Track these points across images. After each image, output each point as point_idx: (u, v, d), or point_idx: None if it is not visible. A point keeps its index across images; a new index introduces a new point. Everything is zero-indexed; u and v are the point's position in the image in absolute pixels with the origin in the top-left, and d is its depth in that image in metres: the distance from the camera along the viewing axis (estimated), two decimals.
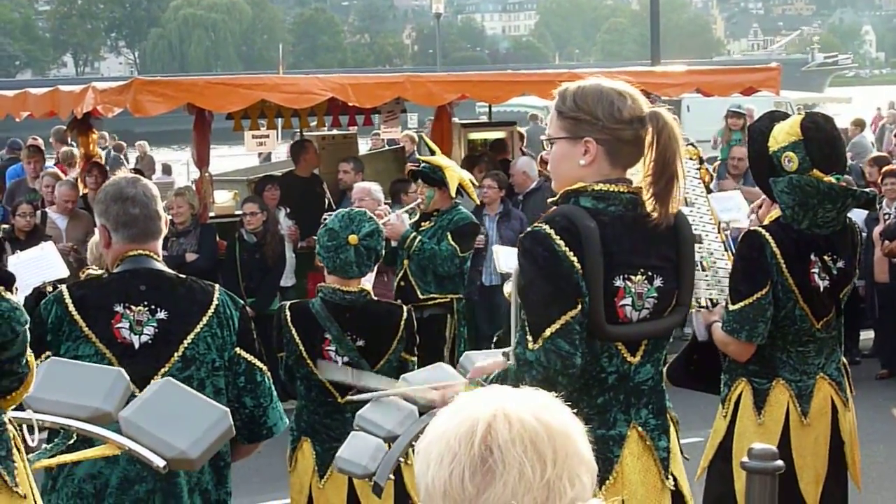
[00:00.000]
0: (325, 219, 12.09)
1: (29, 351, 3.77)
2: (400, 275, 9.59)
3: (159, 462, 3.98)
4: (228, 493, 4.71)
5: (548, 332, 3.85)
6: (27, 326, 3.70)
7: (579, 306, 3.87)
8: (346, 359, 6.17)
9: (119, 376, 4.16)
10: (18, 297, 3.71)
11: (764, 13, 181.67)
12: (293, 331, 6.23)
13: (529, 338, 3.89)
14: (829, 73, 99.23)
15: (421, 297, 9.37)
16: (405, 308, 6.49)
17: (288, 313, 6.29)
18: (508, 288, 4.42)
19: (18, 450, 3.81)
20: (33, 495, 3.84)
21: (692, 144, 6.36)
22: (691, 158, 5.83)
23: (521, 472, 2.00)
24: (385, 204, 10.96)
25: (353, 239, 6.23)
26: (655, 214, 3.96)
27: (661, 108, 4.04)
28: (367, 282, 7.73)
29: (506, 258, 6.45)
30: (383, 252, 6.57)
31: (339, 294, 6.26)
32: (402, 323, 6.34)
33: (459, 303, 9.65)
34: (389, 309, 6.45)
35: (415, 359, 6.33)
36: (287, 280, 12.80)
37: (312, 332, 6.21)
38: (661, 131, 3.95)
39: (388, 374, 6.07)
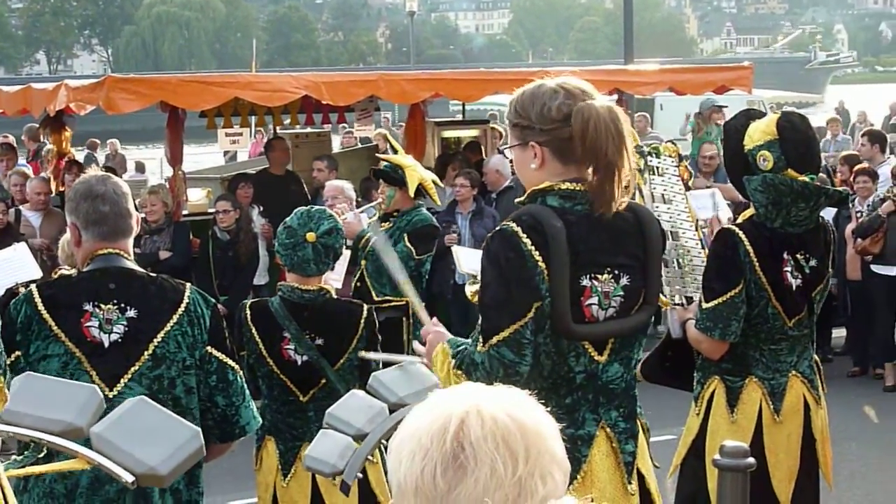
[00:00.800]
0: None
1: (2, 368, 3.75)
2: (357, 275, 9.49)
3: (128, 477, 3.98)
4: (200, 493, 4.69)
5: (495, 339, 3.89)
6: None
7: (531, 313, 3.88)
8: (305, 357, 6.16)
9: (93, 393, 4.15)
10: None
11: (737, 12, 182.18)
12: (252, 329, 6.23)
13: (480, 339, 3.93)
14: (831, 72, 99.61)
15: (376, 298, 9.25)
16: (365, 307, 6.46)
17: (248, 312, 6.30)
18: (471, 289, 4.43)
19: None
20: (5, 499, 3.82)
21: (671, 142, 6.36)
22: (670, 156, 5.84)
23: (492, 468, 2.00)
24: (357, 202, 10.90)
25: (310, 236, 6.23)
26: (597, 210, 3.95)
27: (594, 102, 3.98)
28: (337, 280, 7.71)
29: (466, 259, 6.46)
30: (343, 250, 6.55)
31: (297, 293, 6.25)
32: (362, 321, 6.31)
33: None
34: (349, 307, 6.43)
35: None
36: (260, 278, 12.77)
37: (272, 331, 6.21)
38: (587, 123, 3.91)
39: (349, 374, 6.08)
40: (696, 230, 5.92)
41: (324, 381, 6.19)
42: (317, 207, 6.54)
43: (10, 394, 3.85)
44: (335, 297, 6.44)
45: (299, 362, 6.18)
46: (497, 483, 2.01)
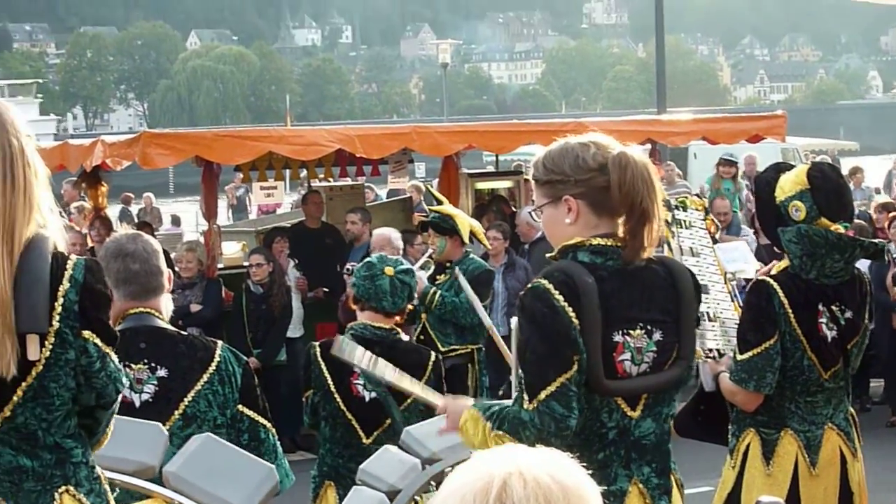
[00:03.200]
0: (349, 268, 12.05)
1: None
2: (418, 329, 9.57)
3: None
4: None
5: (543, 394, 3.87)
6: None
7: (575, 366, 3.88)
8: (373, 394, 6.18)
9: (159, 430, 4.17)
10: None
11: (770, 59, 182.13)
12: (322, 365, 6.27)
13: (526, 397, 3.91)
14: None
15: (442, 349, 9.34)
16: (433, 353, 6.52)
17: (318, 349, 6.35)
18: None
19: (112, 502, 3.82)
20: None
21: (697, 195, 6.34)
22: (697, 209, 5.83)
23: None
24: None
25: (388, 270, 6.34)
26: (626, 255, 3.96)
27: (629, 149, 4.02)
28: None
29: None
30: (416, 295, 6.64)
31: (369, 329, 6.30)
32: (431, 365, 6.37)
33: (480, 352, 9.64)
34: (418, 349, 6.55)
35: None
36: (295, 331, 12.79)
37: (341, 367, 6.21)
38: (625, 170, 3.94)
39: (414, 416, 6.09)
40: (726, 283, 5.90)
41: (388, 422, 6.20)
42: (391, 257, 6.69)
43: None
44: (405, 338, 6.51)
45: (367, 399, 6.22)
46: None
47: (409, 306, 6.70)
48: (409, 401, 6.23)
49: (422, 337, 9.55)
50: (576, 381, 3.89)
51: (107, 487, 3.79)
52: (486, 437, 4.01)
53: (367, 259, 6.53)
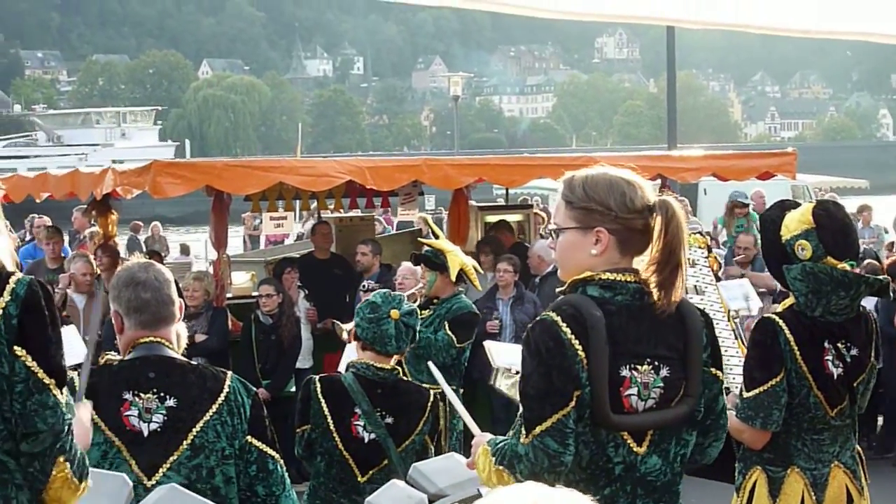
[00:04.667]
0: (364, 286, 11.99)
1: (68, 460, 3.76)
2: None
3: None
4: None
5: (538, 429, 3.88)
6: (58, 426, 3.70)
7: (573, 402, 3.89)
8: (372, 436, 6.18)
9: (122, 482, 4.16)
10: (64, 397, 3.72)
11: (781, 97, 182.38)
12: (322, 402, 6.24)
13: (523, 431, 3.93)
14: None
15: None
16: (432, 392, 6.51)
17: (318, 385, 6.31)
18: (505, 382, 4.43)
19: None
20: None
21: (700, 233, 6.37)
22: (700, 247, 5.86)
23: None
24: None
25: (395, 314, 6.31)
26: (660, 303, 3.97)
27: (669, 197, 4.05)
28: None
29: (499, 353, 6.51)
30: (418, 335, 6.63)
31: (372, 369, 6.29)
32: (429, 405, 6.37)
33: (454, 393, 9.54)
34: (419, 390, 6.51)
35: (433, 446, 6.33)
36: (304, 362, 12.80)
37: (342, 406, 6.22)
38: (671, 220, 3.96)
39: (411, 456, 6.09)
40: (729, 320, 5.92)
41: (384, 462, 6.20)
42: (396, 293, 6.64)
43: None
44: (406, 378, 6.50)
45: (366, 440, 6.21)
46: None
47: None
48: (406, 443, 6.24)
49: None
50: (574, 418, 3.90)
51: None
52: (490, 471, 4.03)
53: (372, 300, 6.45)
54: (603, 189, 4.02)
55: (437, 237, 9.74)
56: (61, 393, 3.69)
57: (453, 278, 9.23)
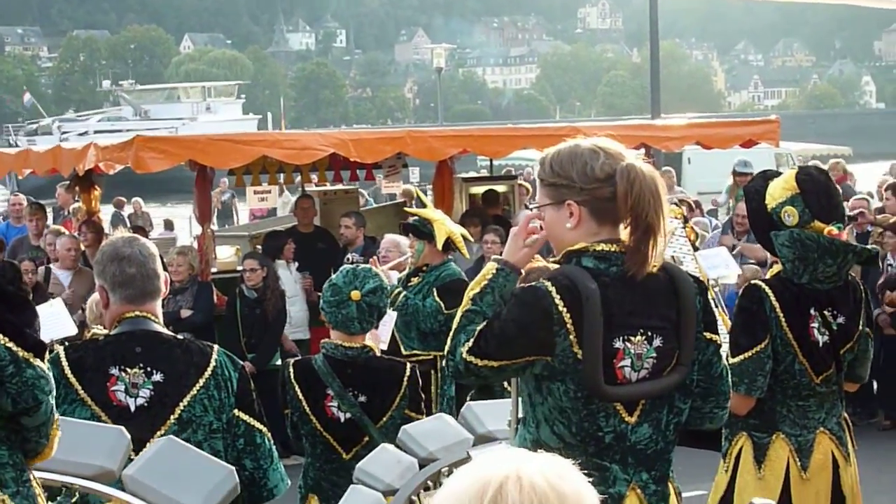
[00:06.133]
0: (349, 258, 11.98)
1: (53, 419, 3.78)
2: None
3: None
4: None
5: (482, 362, 3.96)
6: (51, 396, 3.71)
7: (522, 361, 3.96)
8: (348, 415, 6.17)
9: (120, 434, 4.16)
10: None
11: (764, 65, 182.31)
12: (296, 387, 6.25)
13: (474, 348, 3.96)
14: None
15: (404, 352, 9.26)
16: (408, 365, 6.48)
17: (291, 370, 6.31)
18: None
19: None
20: None
21: (676, 204, 6.37)
22: (676, 217, 5.86)
23: None
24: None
25: (355, 295, 6.26)
26: (632, 268, 3.97)
27: (636, 161, 4.03)
28: (384, 343, 7.75)
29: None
30: (387, 310, 6.58)
31: (341, 349, 6.27)
32: (405, 379, 6.34)
33: (444, 360, 9.53)
34: (392, 365, 6.46)
35: (422, 417, 6.30)
36: (301, 333, 12.84)
37: (315, 388, 6.22)
38: (633, 184, 3.95)
39: (393, 432, 6.07)
40: (709, 289, 5.92)
41: (367, 438, 6.20)
42: (363, 266, 6.59)
43: None
44: (378, 354, 6.47)
45: (342, 420, 6.21)
46: None
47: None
48: (385, 419, 6.24)
49: None
50: (514, 370, 4.00)
51: (38, 492, 3.78)
52: (464, 301, 4.14)
53: (333, 281, 6.41)
54: (567, 162, 4.04)
55: (424, 206, 9.74)
56: (43, 360, 3.69)
57: (440, 247, 9.24)
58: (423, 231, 9.31)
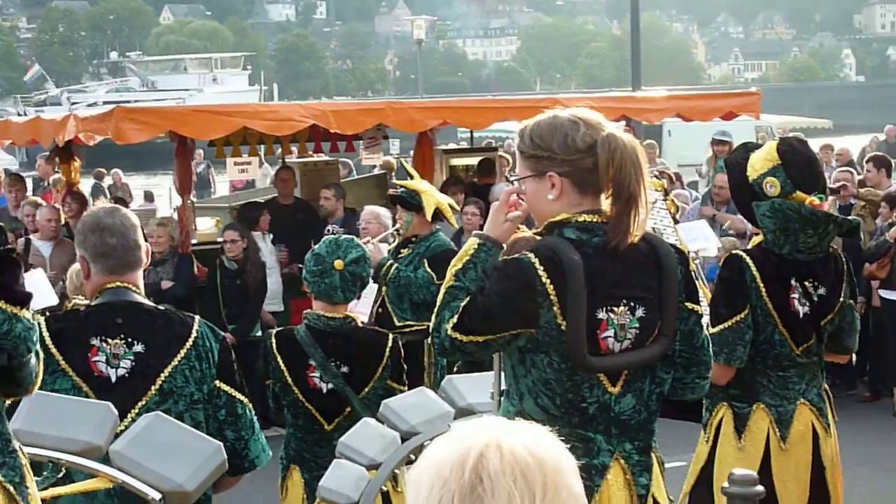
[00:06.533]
0: (329, 230, 11.94)
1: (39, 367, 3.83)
2: (378, 301, 9.54)
3: (155, 495, 3.98)
4: None
5: (467, 338, 3.95)
6: (37, 345, 3.76)
7: (508, 335, 3.95)
8: (330, 385, 6.17)
9: (107, 410, 4.15)
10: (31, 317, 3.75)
11: (744, 37, 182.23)
12: (278, 358, 6.24)
13: (460, 324, 3.96)
14: None
15: (398, 323, 9.31)
16: (391, 336, 6.48)
17: (273, 341, 6.31)
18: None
19: (30, 476, 3.81)
20: None
21: (656, 177, 6.35)
22: (657, 190, 5.87)
23: (509, 501, 2.02)
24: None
25: (338, 264, 6.25)
26: (614, 238, 3.97)
27: (616, 131, 4.03)
28: (364, 313, 7.73)
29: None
30: (369, 280, 6.57)
31: (323, 320, 6.27)
32: (388, 350, 6.33)
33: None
34: (375, 336, 6.45)
35: (404, 388, 6.30)
36: (275, 306, 12.80)
37: (297, 359, 6.22)
38: (614, 154, 3.95)
39: (375, 402, 6.07)
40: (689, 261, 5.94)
41: (349, 409, 6.20)
42: (345, 236, 6.58)
43: (23, 414, 3.88)
44: (361, 325, 6.46)
45: (324, 390, 6.21)
46: None
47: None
48: (367, 389, 6.24)
49: (380, 310, 9.52)
50: (499, 345, 3.99)
51: (24, 462, 3.78)
52: (449, 274, 4.13)
53: (316, 251, 6.40)
54: (547, 133, 4.04)
55: (411, 177, 9.76)
56: (28, 310, 3.71)
57: (429, 217, 9.27)
58: (411, 202, 9.33)
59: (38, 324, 4.51)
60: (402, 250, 9.52)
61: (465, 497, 2.03)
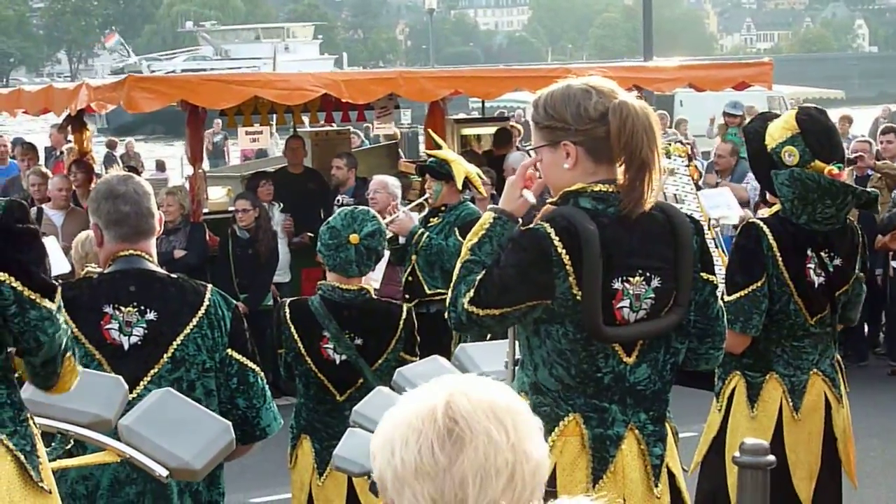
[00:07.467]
0: (339, 201, 11.94)
1: (71, 353, 3.77)
2: (408, 270, 9.58)
3: (162, 471, 3.97)
4: (221, 493, 4.68)
5: (484, 312, 3.93)
6: (59, 333, 3.69)
7: (524, 307, 3.93)
8: (343, 357, 6.16)
9: (118, 383, 4.15)
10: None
11: (757, 8, 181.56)
12: (292, 328, 6.22)
13: (476, 298, 3.93)
14: None
15: (428, 291, 9.38)
16: (405, 307, 6.46)
17: (287, 310, 6.28)
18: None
19: (41, 445, 3.81)
20: (55, 491, 3.83)
21: (680, 142, 6.34)
22: (680, 156, 5.84)
23: (488, 435, 2.10)
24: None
25: (354, 238, 6.21)
26: (626, 206, 3.95)
27: (628, 98, 4.01)
28: (376, 280, 7.72)
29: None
30: (385, 252, 6.55)
31: (338, 292, 6.24)
32: (402, 322, 6.31)
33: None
34: (389, 308, 6.43)
35: (416, 359, 6.29)
36: (283, 276, 12.79)
37: (311, 330, 6.20)
38: (625, 121, 3.92)
39: (387, 374, 6.05)
40: (710, 229, 5.91)
41: (361, 381, 6.18)
42: (361, 208, 6.53)
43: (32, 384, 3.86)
44: (375, 297, 6.44)
45: (338, 361, 6.19)
46: (496, 448, 2.10)
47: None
48: (380, 361, 6.22)
49: (410, 278, 9.56)
50: (517, 317, 3.97)
51: (35, 431, 3.77)
52: (465, 247, 4.14)
53: (332, 223, 6.33)
54: (560, 103, 4.02)
55: (439, 147, 9.77)
56: (52, 301, 3.66)
57: (460, 186, 9.33)
58: (440, 171, 9.38)
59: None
60: (431, 219, 9.57)
61: (444, 441, 2.10)
